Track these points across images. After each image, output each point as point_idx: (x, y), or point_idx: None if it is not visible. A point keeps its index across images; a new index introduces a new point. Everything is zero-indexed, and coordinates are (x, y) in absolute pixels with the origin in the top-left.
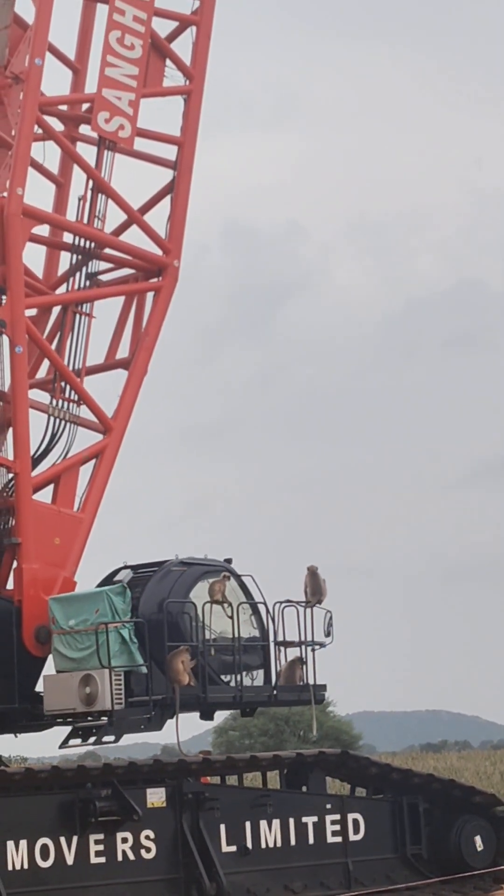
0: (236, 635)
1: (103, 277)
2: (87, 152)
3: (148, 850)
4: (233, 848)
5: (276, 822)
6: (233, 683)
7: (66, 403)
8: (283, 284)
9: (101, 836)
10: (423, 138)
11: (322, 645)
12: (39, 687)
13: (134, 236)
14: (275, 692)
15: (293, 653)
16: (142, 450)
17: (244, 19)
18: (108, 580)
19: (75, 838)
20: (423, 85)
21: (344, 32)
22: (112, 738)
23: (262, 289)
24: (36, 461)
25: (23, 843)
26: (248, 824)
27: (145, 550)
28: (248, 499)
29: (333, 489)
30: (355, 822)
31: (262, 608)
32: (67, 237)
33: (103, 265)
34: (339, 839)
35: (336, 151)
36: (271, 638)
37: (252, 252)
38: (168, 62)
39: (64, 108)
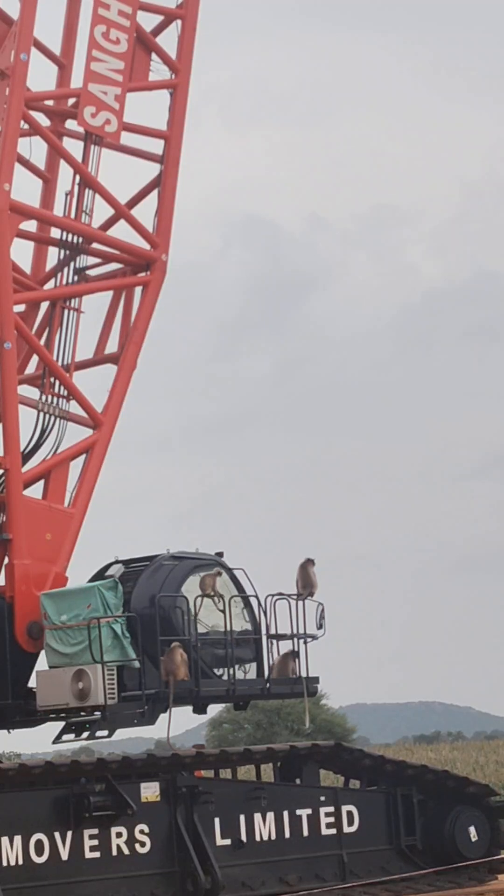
0: (228, 629)
1: (91, 272)
2: (74, 147)
3: (142, 844)
4: (227, 841)
5: (270, 815)
6: (225, 677)
7: (55, 399)
8: (302, 278)
9: (95, 831)
10: (442, 128)
11: (314, 637)
12: (32, 682)
13: (122, 231)
14: (268, 685)
15: (286, 646)
16: (159, 443)
17: (267, 14)
18: (100, 575)
19: (70, 833)
20: (432, 74)
21: (361, 24)
22: (105, 732)
23: (281, 283)
24: (26, 457)
25: (17, 839)
26: (242, 817)
27: (161, 542)
28: (261, 491)
29: (347, 481)
30: (349, 814)
31: (253, 601)
32: (55, 232)
33: (91, 260)
34: (333, 831)
35: (353, 143)
36: (263, 631)
37: (271, 246)
38: (154, 56)
39: (50, 103)
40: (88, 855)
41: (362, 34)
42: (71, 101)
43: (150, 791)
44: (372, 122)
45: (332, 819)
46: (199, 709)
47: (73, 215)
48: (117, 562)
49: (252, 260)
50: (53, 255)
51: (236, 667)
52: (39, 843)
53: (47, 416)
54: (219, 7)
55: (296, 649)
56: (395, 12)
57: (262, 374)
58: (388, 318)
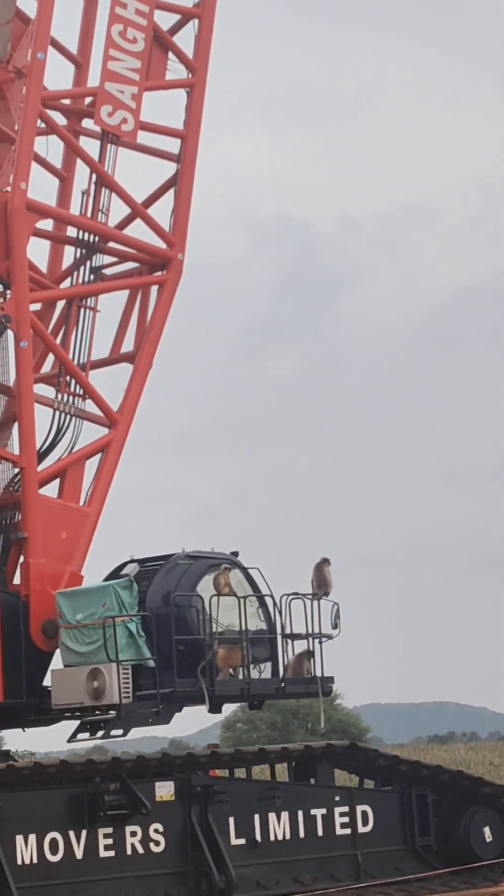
0: (243, 628)
1: (107, 271)
2: (91, 146)
3: (157, 843)
4: (242, 841)
5: (284, 815)
6: (240, 676)
7: (71, 398)
8: (332, 277)
9: (109, 830)
10: (472, 127)
11: (329, 637)
12: (47, 681)
13: (138, 230)
14: (282, 685)
15: (301, 645)
16: (185, 442)
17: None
18: (115, 574)
19: (84, 832)
20: (463, 74)
21: (393, 26)
22: (120, 731)
23: (312, 282)
24: (42, 456)
25: (32, 838)
26: (256, 817)
27: (183, 540)
28: (284, 490)
29: (369, 480)
30: (364, 813)
31: (268, 601)
32: (71, 231)
33: (107, 259)
34: (348, 831)
35: (386, 143)
36: (278, 630)
37: (303, 245)
38: (171, 55)
39: (67, 102)
40: (103, 854)
41: (393, 36)
42: (88, 99)
43: (164, 790)
44: (404, 122)
45: (346, 819)
46: (214, 708)
47: (89, 214)
48: (132, 561)
49: (283, 259)
50: (70, 254)
51: (251, 666)
52: (54, 842)
53: (63, 414)
54: (260, 10)
55: (310, 649)
56: (434, 14)
57: (289, 374)
58: (417, 318)
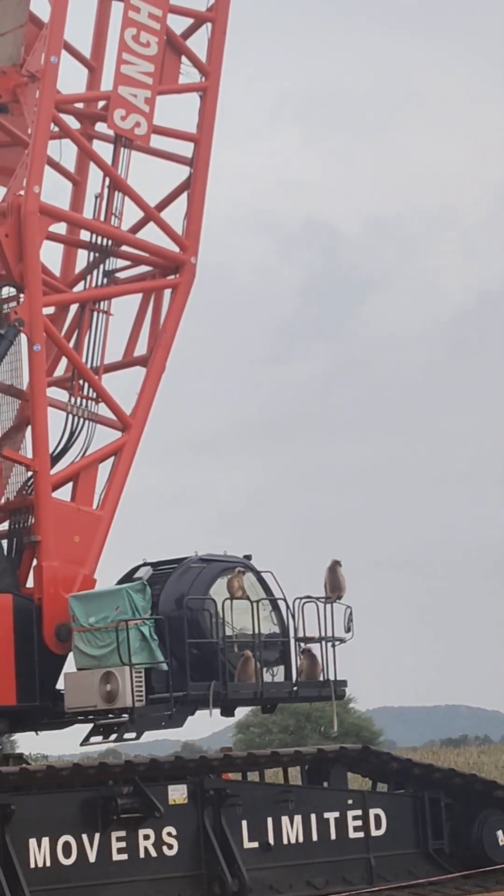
0: (256, 631)
1: (121, 275)
2: (104, 150)
3: (170, 846)
4: (255, 844)
5: (297, 818)
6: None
7: (84, 401)
8: (360, 281)
9: (123, 834)
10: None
11: (342, 640)
12: (60, 685)
13: (151, 233)
14: (295, 688)
15: (314, 648)
16: (210, 445)
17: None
18: (128, 577)
19: (97, 835)
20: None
21: (423, 30)
22: (133, 735)
23: (339, 285)
24: (55, 459)
25: (45, 841)
26: (269, 820)
27: (206, 543)
28: (308, 493)
29: (393, 483)
30: (377, 817)
31: (281, 604)
32: (84, 235)
33: (120, 262)
34: (360, 834)
35: (415, 146)
36: (291, 634)
37: (331, 249)
38: (184, 59)
39: (80, 105)
40: (116, 857)
41: (424, 41)
42: (101, 103)
43: (177, 793)
44: (436, 125)
45: (359, 822)
46: (227, 711)
47: (102, 218)
48: (145, 564)
49: (311, 262)
50: (83, 258)
51: (264, 669)
52: (67, 845)
53: (76, 418)
54: (296, 16)
55: (323, 652)
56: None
57: (316, 377)
58: (444, 320)
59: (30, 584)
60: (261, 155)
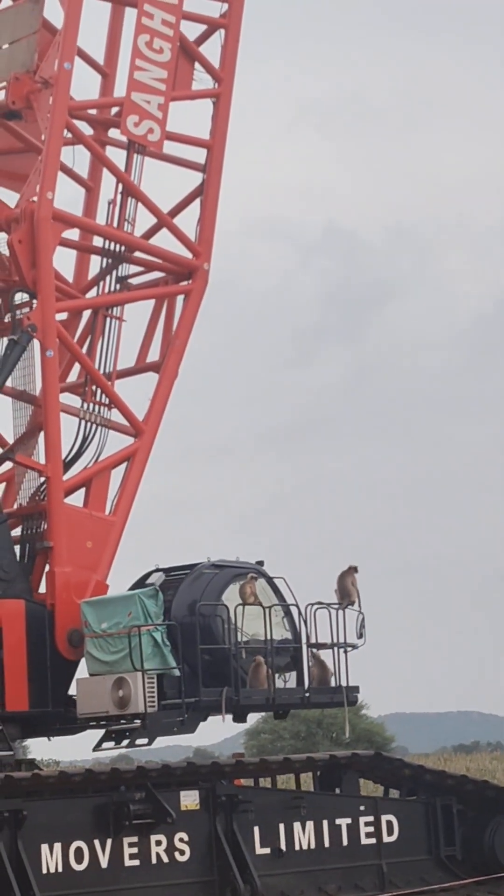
0: (268, 637)
1: (133, 281)
2: (117, 156)
3: (182, 852)
4: (266, 850)
5: (309, 824)
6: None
7: (97, 407)
8: (380, 287)
9: (134, 839)
10: None
11: (354, 647)
12: (72, 690)
13: (164, 239)
14: (307, 694)
15: (326, 655)
16: (229, 450)
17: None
18: (140, 583)
19: (109, 841)
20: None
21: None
22: (145, 740)
23: (360, 292)
24: (67, 465)
25: (57, 846)
26: (281, 826)
27: (226, 548)
28: (327, 499)
29: (408, 488)
30: (389, 823)
31: (294, 610)
32: (97, 241)
33: (133, 268)
34: (372, 841)
35: (437, 153)
36: (304, 640)
37: (351, 255)
38: (197, 65)
39: (93, 112)
40: (128, 863)
41: (445, 45)
42: (114, 110)
43: (189, 799)
44: (456, 132)
45: (371, 828)
46: (239, 717)
47: (115, 224)
48: (158, 570)
49: (332, 268)
50: (96, 264)
51: (276, 675)
52: (79, 851)
53: (89, 424)
54: (319, 23)
55: (334, 658)
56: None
57: (334, 383)
58: (464, 327)
59: (42, 589)
60: (280, 161)
